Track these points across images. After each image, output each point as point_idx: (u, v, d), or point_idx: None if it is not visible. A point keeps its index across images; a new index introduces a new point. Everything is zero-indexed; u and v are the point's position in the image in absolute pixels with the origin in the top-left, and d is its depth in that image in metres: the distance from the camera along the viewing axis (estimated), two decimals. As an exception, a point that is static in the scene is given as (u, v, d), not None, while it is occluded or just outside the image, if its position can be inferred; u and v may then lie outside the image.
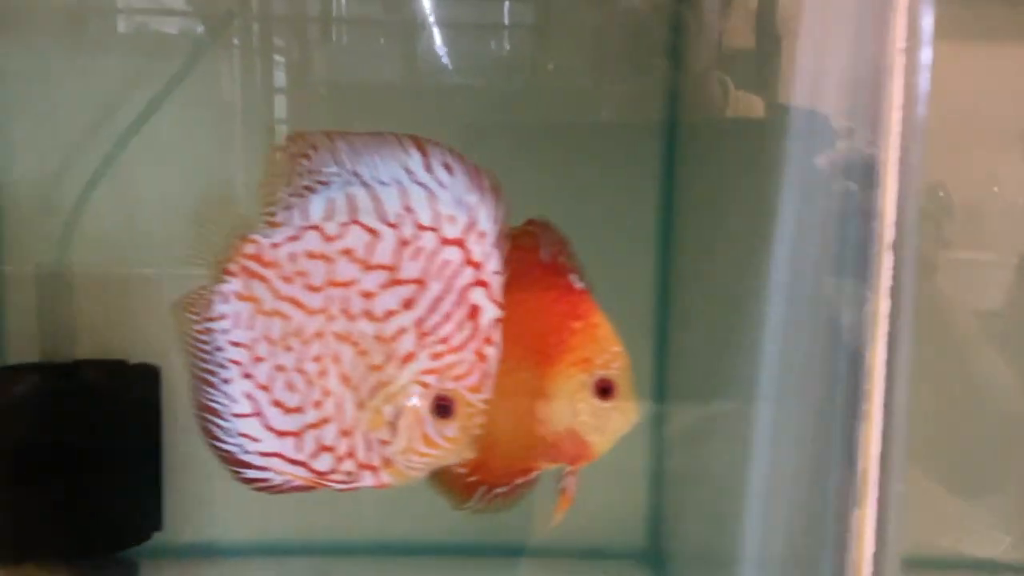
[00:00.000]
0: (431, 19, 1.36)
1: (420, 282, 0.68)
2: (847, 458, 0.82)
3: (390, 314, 0.69)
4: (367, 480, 0.72)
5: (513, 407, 0.83)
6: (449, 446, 0.69)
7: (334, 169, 0.69)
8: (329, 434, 0.71)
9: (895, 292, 0.78)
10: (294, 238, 0.71)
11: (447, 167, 0.67)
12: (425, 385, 0.68)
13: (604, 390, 0.83)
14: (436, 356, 0.68)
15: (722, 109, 1.28)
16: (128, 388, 1.30)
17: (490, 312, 0.67)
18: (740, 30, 1.30)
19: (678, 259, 1.36)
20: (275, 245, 0.72)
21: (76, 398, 1.25)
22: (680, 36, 1.34)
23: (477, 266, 0.67)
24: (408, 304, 0.68)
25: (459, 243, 0.67)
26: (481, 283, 0.67)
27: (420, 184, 0.68)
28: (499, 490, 0.85)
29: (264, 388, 0.72)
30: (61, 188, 1.30)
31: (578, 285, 0.83)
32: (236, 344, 0.73)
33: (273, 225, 0.72)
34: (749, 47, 1.25)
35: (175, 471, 1.33)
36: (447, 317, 0.68)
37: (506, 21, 1.41)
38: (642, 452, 0.93)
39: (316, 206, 0.70)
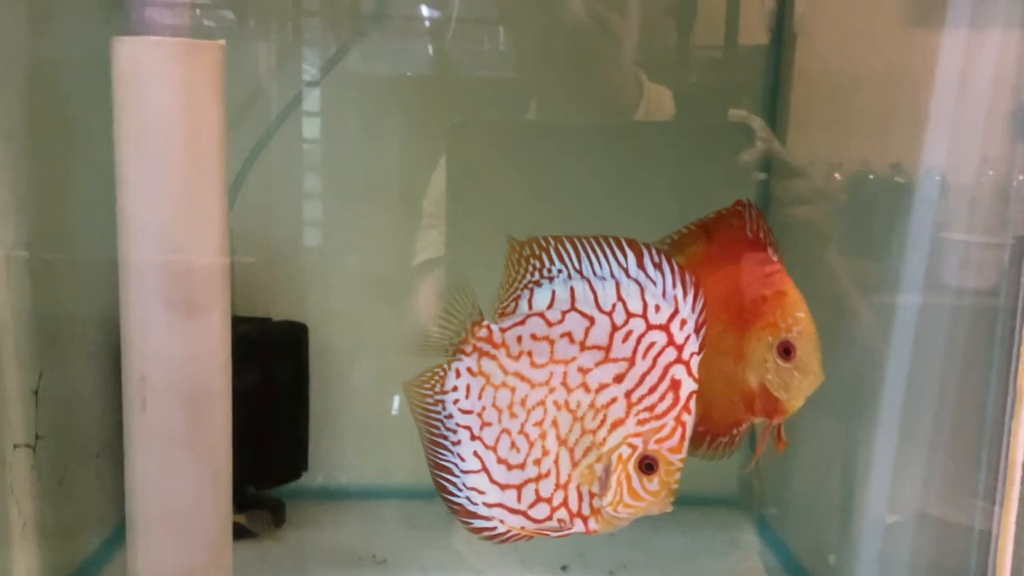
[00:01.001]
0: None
1: (630, 360, 0.79)
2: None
3: (603, 386, 0.80)
4: (578, 527, 0.82)
5: (722, 367, 0.94)
6: (652, 499, 0.78)
7: (559, 267, 0.82)
8: (546, 487, 0.82)
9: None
10: (520, 323, 0.83)
11: (657, 266, 0.79)
12: (632, 447, 0.78)
13: (786, 351, 0.92)
14: (642, 422, 0.78)
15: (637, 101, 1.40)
16: (278, 343, 1.44)
17: (688, 386, 0.78)
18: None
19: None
20: (504, 329, 0.84)
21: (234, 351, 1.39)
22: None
23: (679, 348, 0.78)
24: (619, 378, 0.79)
25: (664, 328, 0.78)
26: (682, 361, 0.78)
27: (633, 279, 0.79)
28: (721, 439, 0.97)
29: (491, 448, 0.84)
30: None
31: (774, 258, 0.94)
32: (466, 412, 0.85)
33: (504, 315, 0.85)
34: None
35: (318, 420, 1.48)
36: (652, 389, 0.78)
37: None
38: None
39: (541, 297, 0.83)
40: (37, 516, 1.13)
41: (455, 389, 0.85)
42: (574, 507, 0.82)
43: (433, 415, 0.86)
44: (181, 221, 0.90)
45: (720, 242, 0.97)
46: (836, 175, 1.22)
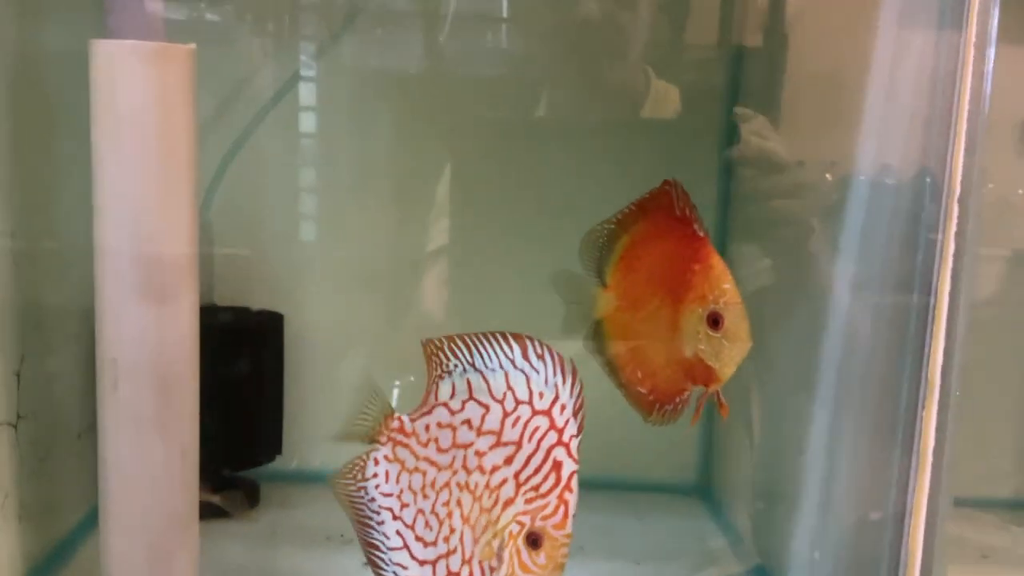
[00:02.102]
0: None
1: (517, 444, 0.86)
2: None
3: (495, 468, 0.87)
4: None
5: (661, 337, 1.01)
6: (540, 571, 0.83)
7: (455, 361, 0.89)
8: (455, 562, 0.89)
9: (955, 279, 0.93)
10: (428, 413, 0.91)
11: (539, 356, 0.85)
12: (521, 524, 0.84)
13: (714, 322, 0.97)
14: (529, 501, 0.84)
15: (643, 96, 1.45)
16: (255, 331, 1.50)
17: (569, 466, 0.84)
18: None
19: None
20: (413, 419, 0.92)
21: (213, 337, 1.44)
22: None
23: (560, 431, 0.84)
24: (508, 460, 0.86)
25: (547, 413, 0.84)
26: (562, 444, 0.84)
27: (519, 369, 0.86)
28: (666, 407, 1.03)
29: (410, 527, 0.92)
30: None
31: (700, 233, 0.99)
32: (387, 495, 0.93)
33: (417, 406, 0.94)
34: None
35: (293, 405, 1.54)
36: (537, 470, 0.84)
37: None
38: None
39: (445, 389, 0.90)
40: (18, 494, 1.19)
41: (375, 476, 0.94)
42: None
43: (358, 500, 0.95)
44: (152, 213, 0.96)
45: (653, 220, 1.02)
46: (827, 175, 1.24)
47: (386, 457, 0.93)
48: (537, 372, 0.85)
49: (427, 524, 0.91)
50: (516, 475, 0.85)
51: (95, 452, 1.01)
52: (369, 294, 1.59)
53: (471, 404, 0.88)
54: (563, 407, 0.84)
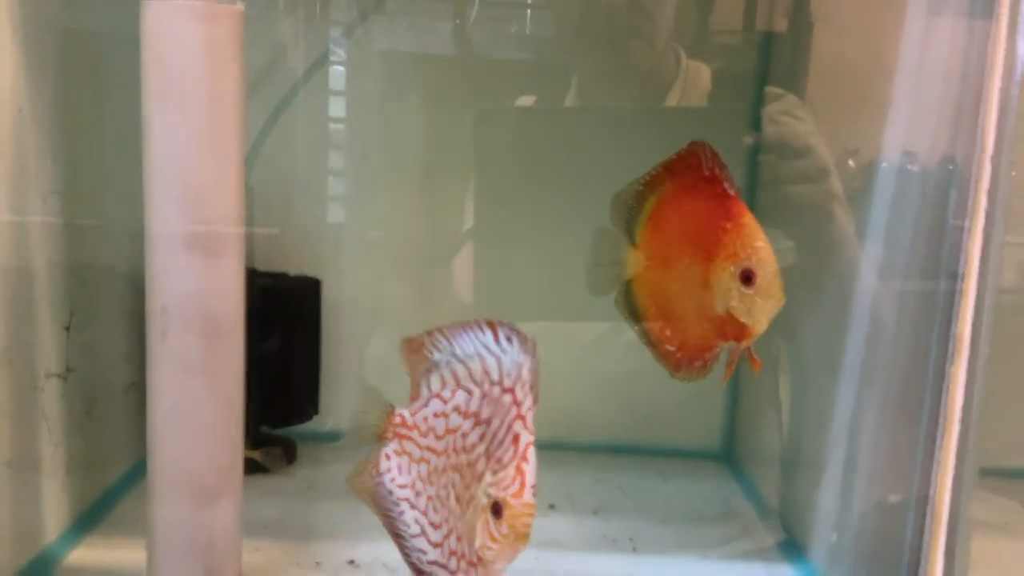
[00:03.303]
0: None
1: (489, 421, 0.89)
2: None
3: (474, 447, 0.91)
4: (472, 574, 0.92)
5: (691, 295, 1.02)
6: (504, 540, 0.87)
7: (440, 355, 0.94)
8: (454, 541, 0.93)
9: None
10: (425, 405, 0.95)
11: (507, 338, 0.89)
12: (489, 496, 0.88)
13: (747, 278, 0.97)
14: (494, 472, 0.88)
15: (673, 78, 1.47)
16: (294, 295, 1.55)
17: (525, 438, 0.87)
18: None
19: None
20: (413, 413, 0.96)
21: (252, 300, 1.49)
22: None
23: (519, 405, 0.88)
24: (483, 437, 0.90)
25: (511, 391, 0.88)
26: (521, 417, 0.87)
27: (493, 353, 0.90)
28: (695, 363, 1.05)
29: (423, 513, 0.96)
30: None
31: (730, 191, 1.00)
32: (402, 486, 0.97)
33: (414, 400, 0.97)
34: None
35: (329, 369, 1.58)
36: (500, 443, 0.88)
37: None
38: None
39: (435, 380, 0.94)
40: (66, 443, 1.24)
41: (388, 471, 0.98)
42: (468, 554, 0.91)
43: (378, 495, 0.99)
44: (201, 169, 0.99)
45: (681, 181, 1.04)
46: (850, 162, 1.26)
47: (395, 452, 0.97)
48: (505, 353, 0.89)
49: (435, 508, 0.95)
50: (487, 451, 0.89)
51: (142, 407, 1.05)
52: (402, 265, 1.63)
53: (459, 392, 0.92)
54: (523, 383, 0.88)
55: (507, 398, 0.89)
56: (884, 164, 1.17)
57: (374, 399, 0.99)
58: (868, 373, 1.18)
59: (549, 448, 1.56)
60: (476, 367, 0.91)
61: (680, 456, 1.63)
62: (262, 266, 1.56)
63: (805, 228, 1.29)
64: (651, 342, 1.09)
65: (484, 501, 0.88)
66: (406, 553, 0.98)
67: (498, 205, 1.53)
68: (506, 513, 0.86)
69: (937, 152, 1.04)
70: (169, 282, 1.01)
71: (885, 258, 1.16)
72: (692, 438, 1.65)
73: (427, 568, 0.96)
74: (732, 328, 1.01)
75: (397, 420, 0.97)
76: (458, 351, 0.93)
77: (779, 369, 1.43)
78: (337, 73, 1.59)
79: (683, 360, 1.06)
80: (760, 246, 0.98)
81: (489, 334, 0.90)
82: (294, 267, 1.58)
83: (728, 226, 1.00)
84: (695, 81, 1.49)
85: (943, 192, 1.01)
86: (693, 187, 1.03)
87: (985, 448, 1.00)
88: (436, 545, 0.95)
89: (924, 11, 1.10)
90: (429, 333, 0.95)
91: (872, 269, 1.18)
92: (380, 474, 0.98)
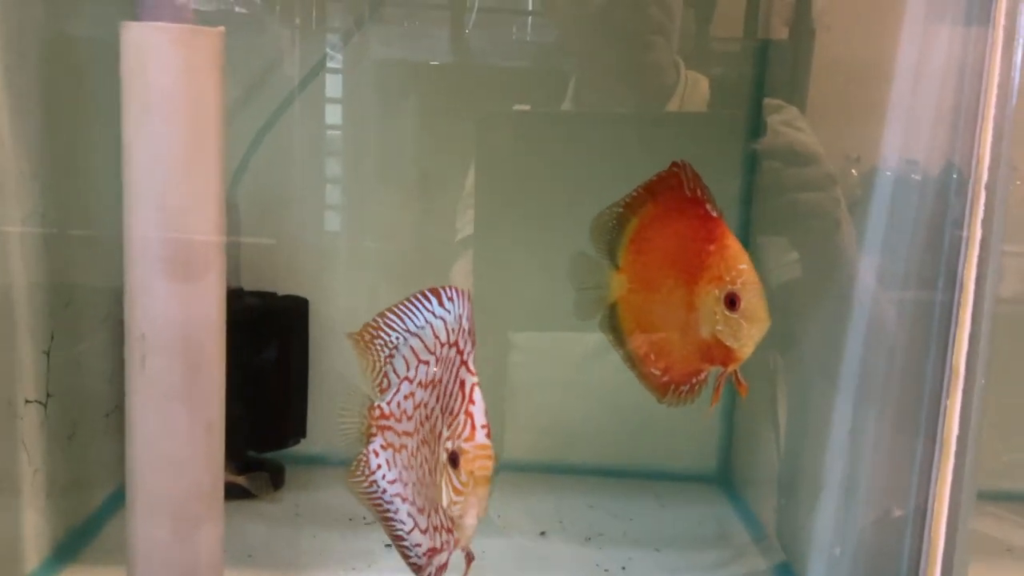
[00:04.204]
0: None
1: (441, 379, 0.89)
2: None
3: (432, 411, 0.90)
4: (449, 543, 0.90)
5: (676, 318, 1.00)
6: (464, 489, 0.84)
7: (394, 334, 0.93)
8: (433, 516, 0.91)
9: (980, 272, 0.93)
10: (397, 391, 0.94)
11: (450, 299, 0.89)
12: (447, 450, 0.85)
13: (731, 302, 0.96)
14: (448, 426, 0.86)
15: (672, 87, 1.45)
16: (281, 315, 1.52)
17: (470, 380, 0.86)
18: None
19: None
20: (388, 402, 0.95)
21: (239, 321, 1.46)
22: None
23: (461, 352, 0.87)
24: (439, 397, 0.89)
25: (455, 344, 0.88)
26: (464, 363, 0.86)
27: (439, 317, 0.90)
28: (682, 387, 1.03)
29: (413, 503, 0.95)
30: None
31: (713, 213, 0.98)
32: (393, 481, 0.96)
33: (383, 390, 0.96)
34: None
35: (317, 390, 1.55)
36: (451, 395, 0.87)
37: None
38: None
39: (399, 363, 0.94)
40: (47, 469, 1.21)
41: (379, 467, 0.97)
42: (445, 523, 0.89)
43: (374, 496, 0.97)
44: (180, 192, 0.97)
45: (663, 202, 1.02)
46: (852, 171, 1.23)
47: (382, 446, 0.96)
48: (450, 313, 0.89)
49: (418, 492, 0.93)
50: (443, 409, 0.87)
51: (122, 431, 1.02)
52: (393, 282, 1.60)
53: (420, 366, 0.92)
54: (464, 331, 0.87)
55: (452, 352, 0.88)
56: (884, 172, 1.16)
57: (353, 396, 0.98)
58: (867, 386, 1.16)
59: (542, 470, 1.58)
60: (428, 335, 0.90)
61: (675, 479, 1.61)
62: (249, 285, 1.54)
63: (811, 237, 1.27)
64: (635, 366, 1.07)
65: (443, 457, 0.85)
66: (406, 555, 0.95)
67: (499, 211, 1.51)
68: (462, 460, 0.83)
69: (937, 161, 1.03)
70: (148, 307, 0.98)
71: (884, 267, 1.14)
72: (687, 460, 1.62)
73: (423, 562, 0.93)
74: (718, 352, 0.99)
75: (377, 413, 0.96)
76: (409, 325, 0.92)
77: (777, 385, 1.41)
78: (333, 81, 1.56)
79: (669, 384, 1.04)
80: (744, 269, 0.96)
81: (434, 300, 0.90)
82: (282, 286, 1.55)
83: (712, 248, 0.98)
84: (694, 92, 1.47)
85: (943, 201, 1.00)
86: (675, 208, 1.01)
87: (988, 468, 0.98)
88: (424, 531, 0.93)
89: (923, 16, 1.09)
90: (380, 315, 0.94)
91: (871, 280, 1.17)
92: (372, 472, 0.97)
